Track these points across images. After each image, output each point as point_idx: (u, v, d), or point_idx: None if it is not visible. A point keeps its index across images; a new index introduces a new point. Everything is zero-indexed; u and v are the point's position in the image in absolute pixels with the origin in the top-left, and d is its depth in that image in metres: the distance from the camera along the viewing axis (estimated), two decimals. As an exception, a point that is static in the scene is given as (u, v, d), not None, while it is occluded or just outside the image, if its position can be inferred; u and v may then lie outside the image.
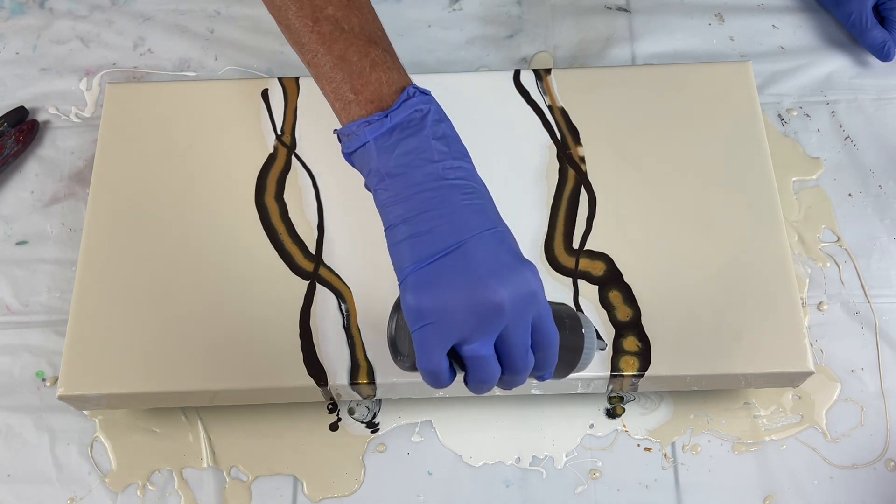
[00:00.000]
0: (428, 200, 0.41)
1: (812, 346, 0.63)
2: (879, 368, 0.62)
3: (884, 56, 0.71)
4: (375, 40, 0.45)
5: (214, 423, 0.62)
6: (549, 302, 0.42)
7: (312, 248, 0.59)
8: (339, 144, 0.46)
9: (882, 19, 0.72)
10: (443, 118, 0.44)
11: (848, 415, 0.61)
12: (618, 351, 0.55)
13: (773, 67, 0.74)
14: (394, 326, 0.44)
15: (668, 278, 0.57)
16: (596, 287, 0.57)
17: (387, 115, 0.42)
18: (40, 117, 0.74)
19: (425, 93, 0.44)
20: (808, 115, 0.72)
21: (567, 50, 0.75)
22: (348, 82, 0.43)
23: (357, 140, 0.43)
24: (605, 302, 0.57)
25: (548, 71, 0.65)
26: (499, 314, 0.39)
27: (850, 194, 0.69)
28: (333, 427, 0.61)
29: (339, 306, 0.57)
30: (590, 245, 0.59)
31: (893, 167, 0.69)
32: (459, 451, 0.61)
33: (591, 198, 0.60)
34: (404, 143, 0.42)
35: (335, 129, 0.45)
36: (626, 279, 0.58)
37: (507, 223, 0.42)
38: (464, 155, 0.43)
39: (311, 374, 0.55)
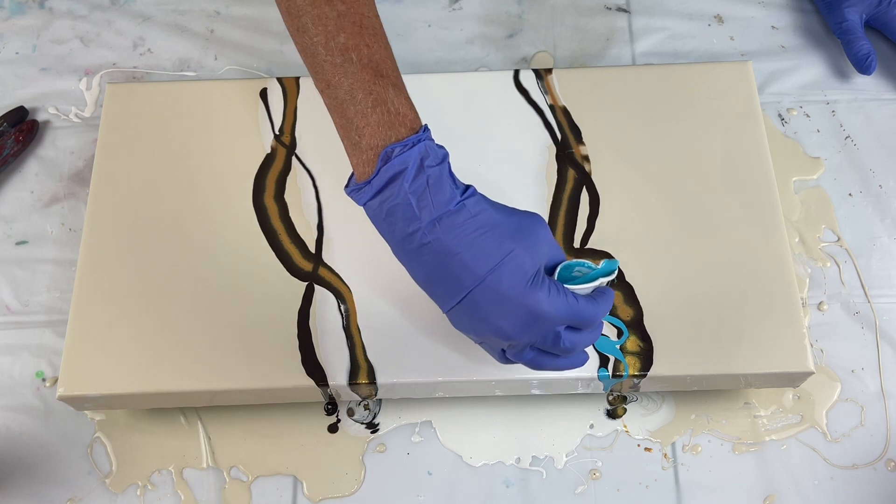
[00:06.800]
0: (416, 263, 0.45)
1: (812, 346, 0.63)
2: (880, 368, 0.62)
3: (865, 68, 0.71)
4: (383, 72, 0.45)
5: (214, 423, 0.62)
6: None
7: (312, 248, 0.59)
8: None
9: (878, 31, 0.73)
10: (423, 167, 0.44)
11: (848, 415, 0.61)
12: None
13: (773, 67, 0.74)
14: None
15: (669, 278, 0.57)
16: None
17: (370, 182, 0.44)
18: (40, 117, 0.74)
19: (413, 142, 0.44)
20: (808, 115, 0.72)
21: (567, 50, 0.75)
22: (353, 123, 0.45)
23: (357, 201, 0.46)
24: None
25: (548, 70, 0.65)
26: (518, 339, 0.45)
27: (850, 194, 0.69)
28: (333, 428, 0.61)
29: (339, 307, 0.57)
30: (591, 244, 0.59)
31: (893, 167, 0.69)
32: (459, 451, 0.61)
33: (593, 197, 0.60)
34: (386, 206, 0.44)
35: (345, 187, 0.47)
36: (627, 279, 0.58)
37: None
38: (444, 202, 0.44)
39: (310, 374, 0.55)
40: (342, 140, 0.46)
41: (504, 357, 0.48)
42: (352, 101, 0.44)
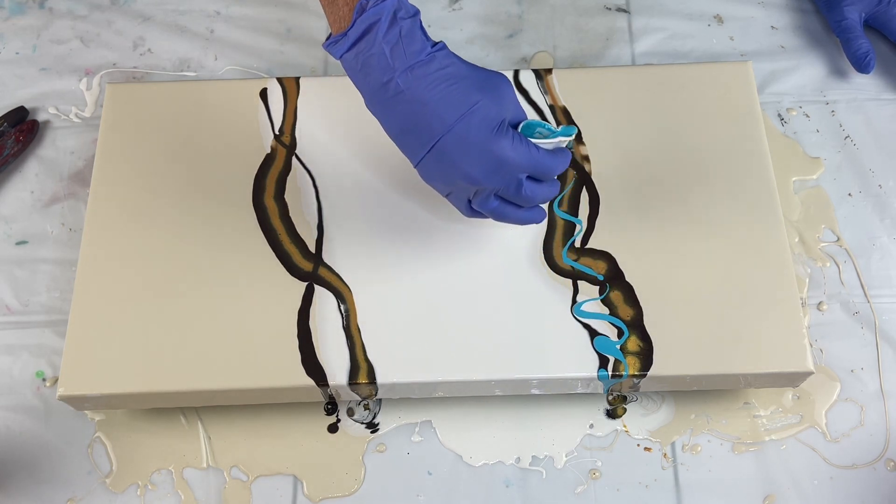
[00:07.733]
0: (390, 113, 0.47)
1: (812, 346, 0.63)
2: (879, 368, 0.62)
3: (863, 67, 0.71)
4: None
5: (214, 423, 0.62)
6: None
7: (312, 249, 0.59)
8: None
9: (878, 31, 0.74)
10: (396, 19, 0.46)
11: (848, 415, 0.61)
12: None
13: (772, 67, 0.74)
14: None
15: (669, 278, 0.57)
16: (597, 287, 0.57)
17: (346, 34, 0.46)
18: (40, 117, 0.74)
19: None
20: (807, 115, 0.72)
21: (567, 50, 0.75)
22: None
23: (334, 55, 0.48)
24: (606, 301, 0.57)
25: (548, 70, 0.65)
26: (484, 184, 0.48)
27: (850, 194, 0.69)
28: (333, 428, 0.61)
29: (339, 307, 0.57)
30: (591, 244, 0.59)
31: (893, 167, 0.69)
32: (459, 451, 0.61)
33: (593, 197, 0.60)
34: (362, 57, 0.46)
35: (323, 43, 0.49)
36: (627, 279, 0.58)
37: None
38: (416, 51, 0.46)
39: (310, 374, 0.55)
40: (320, 0, 0.48)
41: (470, 209, 0.51)
42: None
